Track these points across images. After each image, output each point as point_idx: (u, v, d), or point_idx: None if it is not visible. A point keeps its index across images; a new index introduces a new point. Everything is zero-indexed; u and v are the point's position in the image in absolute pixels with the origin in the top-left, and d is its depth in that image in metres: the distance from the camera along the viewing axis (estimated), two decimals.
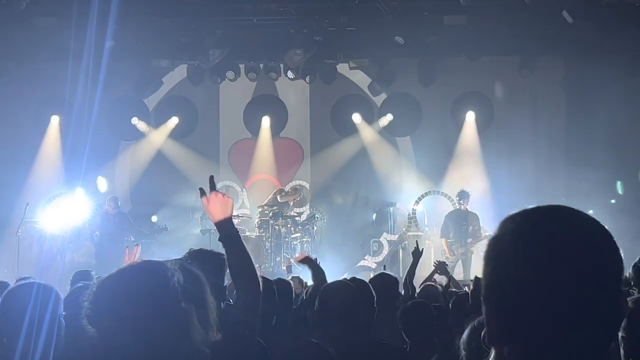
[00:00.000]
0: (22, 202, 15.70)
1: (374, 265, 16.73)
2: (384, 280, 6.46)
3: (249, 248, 3.52)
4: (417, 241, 8.60)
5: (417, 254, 8.15)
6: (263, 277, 5.67)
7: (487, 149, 17.17)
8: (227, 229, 3.52)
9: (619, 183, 16.40)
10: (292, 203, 16.68)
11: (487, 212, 16.13)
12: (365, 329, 4.52)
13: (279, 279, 6.53)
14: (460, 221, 15.51)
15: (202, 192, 3.64)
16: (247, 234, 15.90)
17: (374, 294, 4.95)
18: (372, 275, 9.35)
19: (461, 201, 15.51)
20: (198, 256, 4.32)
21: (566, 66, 16.99)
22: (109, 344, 2.51)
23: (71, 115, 17.01)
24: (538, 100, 17.48)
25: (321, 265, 6.65)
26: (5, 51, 16.06)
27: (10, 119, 17.35)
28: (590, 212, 1.69)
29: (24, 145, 17.29)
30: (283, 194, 16.61)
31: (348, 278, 5.91)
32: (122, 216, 15.94)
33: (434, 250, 15.73)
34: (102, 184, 17.22)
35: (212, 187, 3.66)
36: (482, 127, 17.34)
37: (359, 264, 17.00)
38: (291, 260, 7.84)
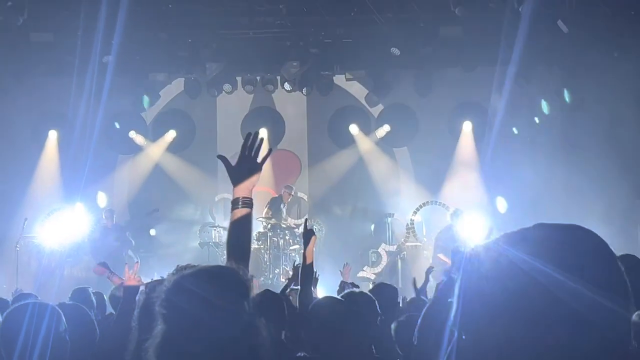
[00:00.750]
0: (20, 216, 15.68)
1: (373, 277, 16.72)
2: (382, 291, 6.45)
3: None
4: (305, 219, 6.57)
5: (307, 235, 6.23)
6: (270, 291, 5.66)
7: (484, 159, 17.19)
8: (241, 196, 3.36)
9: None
10: (285, 204, 16.70)
11: (485, 222, 16.14)
12: (359, 344, 4.50)
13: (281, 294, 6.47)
14: (449, 243, 15.43)
15: (223, 158, 3.45)
16: None
17: (377, 309, 4.93)
18: (371, 286, 9.33)
19: (453, 220, 15.27)
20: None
21: (563, 76, 17.03)
22: (175, 343, 2.48)
23: (69, 129, 17.05)
24: (534, 110, 17.52)
25: (320, 276, 6.62)
26: (2, 67, 16.09)
27: (9, 133, 17.35)
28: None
29: (22, 160, 17.29)
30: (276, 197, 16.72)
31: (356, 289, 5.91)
32: (120, 229, 15.94)
33: (432, 260, 15.72)
34: (101, 198, 17.23)
35: (250, 145, 3.44)
36: (479, 137, 17.37)
37: (358, 275, 16.98)
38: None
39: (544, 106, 16.99)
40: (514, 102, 16.75)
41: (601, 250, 1.64)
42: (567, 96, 16.57)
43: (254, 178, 3.40)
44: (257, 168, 3.42)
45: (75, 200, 16.30)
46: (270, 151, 3.55)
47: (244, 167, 3.41)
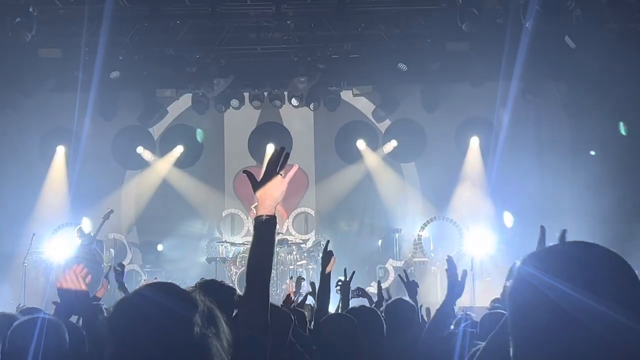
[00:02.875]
0: (28, 232, 15.69)
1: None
2: (399, 306, 6.38)
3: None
4: (327, 242, 6.96)
5: (326, 256, 6.53)
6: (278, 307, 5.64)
7: (491, 174, 17.17)
8: (264, 213, 3.31)
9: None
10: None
11: (492, 237, 16.13)
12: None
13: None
14: None
15: (249, 173, 3.37)
16: None
17: (382, 322, 4.94)
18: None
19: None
20: (207, 287, 4.25)
21: (569, 91, 17.03)
22: None
23: (77, 145, 17.10)
24: (542, 125, 17.52)
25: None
26: (11, 83, 16.16)
27: (17, 149, 17.43)
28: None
29: (30, 175, 17.34)
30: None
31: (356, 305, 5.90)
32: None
33: (440, 276, 15.69)
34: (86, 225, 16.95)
35: (275, 161, 3.36)
36: (487, 152, 17.35)
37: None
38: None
39: (622, 128, 16.76)
40: (520, 117, 16.76)
41: (619, 268, 1.63)
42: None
43: (278, 195, 3.36)
44: (282, 185, 3.36)
45: (83, 216, 16.31)
46: (294, 167, 3.51)
47: (270, 183, 3.37)
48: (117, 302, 2.58)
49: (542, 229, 2.73)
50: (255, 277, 3.29)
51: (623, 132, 16.44)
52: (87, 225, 15.29)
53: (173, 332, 2.42)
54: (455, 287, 4.96)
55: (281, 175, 3.35)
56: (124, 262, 16.51)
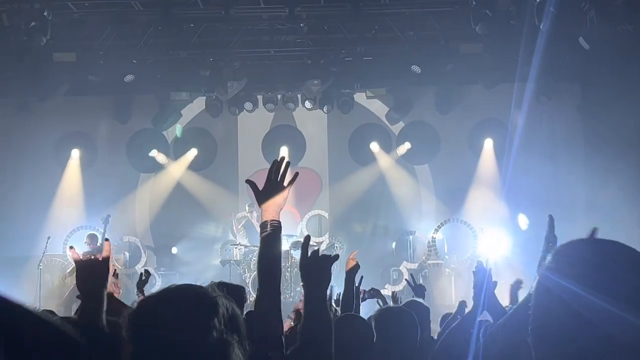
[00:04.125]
0: (43, 235, 15.77)
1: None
2: (414, 308, 6.36)
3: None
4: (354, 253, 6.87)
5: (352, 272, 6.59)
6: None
7: (505, 176, 17.11)
8: (269, 219, 3.44)
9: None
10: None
11: (507, 240, 16.08)
12: None
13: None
14: None
15: (251, 182, 3.55)
16: None
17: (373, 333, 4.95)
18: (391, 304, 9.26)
19: None
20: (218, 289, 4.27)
21: (583, 92, 16.98)
22: None
23: (92, 148, 17.17)
24: (556, 127, 17.46)
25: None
26: (26, 86, 16.25)
27: (32, 152, 17.51)
28: None
29: (45, 178, 17.42)
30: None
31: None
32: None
33: (454, 278, 15.67)
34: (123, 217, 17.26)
35: (276, 169, 3.52)
36: (501, 154, 17.31)
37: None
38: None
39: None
40: (534, 119, 16.70)
41: (634, 267, 1.63)
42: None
43: (280, 202, 3.48)
44: (284, 193, 3.51)
45: (98, 218, 16.38)
46: (296, 175, 3.61)
47: (271, 191, 3.50)
48: (138, 301, 2.61)
49: (551, 218, 2.74)
50: (266, 286, 3.35)
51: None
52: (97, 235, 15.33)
53: (191, 335, 2.43)
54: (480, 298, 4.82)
55: (283, 183, 3.49)
56: (140, 266, 16.69)
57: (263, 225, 3.43)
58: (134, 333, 2.46)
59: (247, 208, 16.94)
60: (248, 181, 3.60)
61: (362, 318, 5.30)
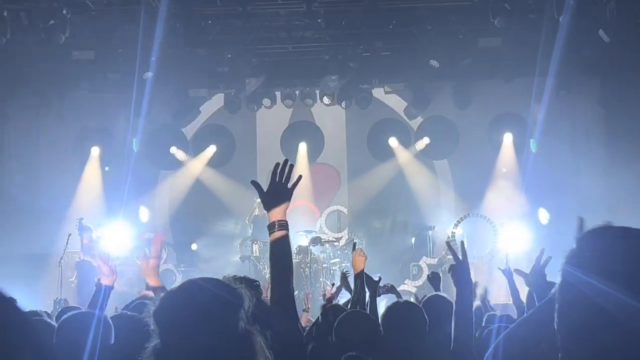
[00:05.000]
0: (63, 232, 15.85)
1: (414, 290, 16.63)
2: (437, 302, 6.32)
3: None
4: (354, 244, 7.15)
5: (372, 285, 6.78)
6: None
7: (525, 170, 17.04)
8: (276, 220, 3.53)
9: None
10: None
11: (528, 234, 16.01)
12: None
13: None
14: None
15: (256, 184, 3.64)
16: None
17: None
18: (412, 299, 9.25)
19: None
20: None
21: (603, 86, 16.86)
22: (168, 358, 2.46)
23: (111, 146, 17.25)
24: (576, 121, 17.36)
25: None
26: (45, 84, 16.35)
27: (52, 150, 17.62)
28: None
29: (65, 176, 17.51)
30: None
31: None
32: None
33: (474, 273, 15.58)
34: (143, 213, 17.38)
35: (280, 172, 3.63)
36: (520, 148, 17.23)
37: (398, 289, 16.86)
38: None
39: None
40: (554, 113, 16.61)
41: None
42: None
43: (284, 203, 3.56)
44: (287, 193, 3.60)
45: (118, 215, 16.46)
46: (300, 177, 3.71)
47: (275, 193, 3.59)
48: (166, 293, 2.65)
49: (580, 220, 2.72)
50: (279, 285, 3.47)
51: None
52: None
53: (219, 323, 2.46)
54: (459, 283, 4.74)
55: (287, 185, 3.58)
56: (160, 263, 16.75)
57: (271, 226, 3.52)
58: (160, 324, 2.47)
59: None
60: (253, 182, 3.68)
61: (366, 314, 5.32)
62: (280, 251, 3.50)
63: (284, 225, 3.52)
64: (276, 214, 3.53)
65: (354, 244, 6.49)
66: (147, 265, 5.17)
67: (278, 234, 3.50)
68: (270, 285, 3.50)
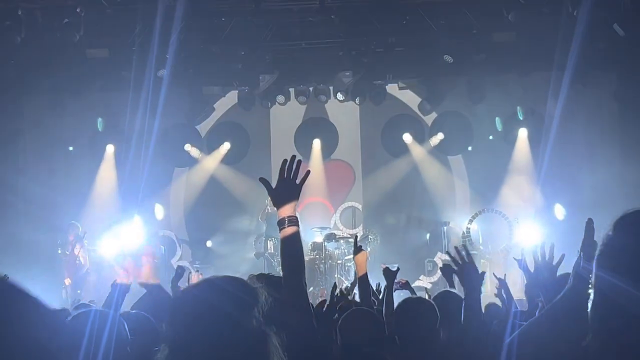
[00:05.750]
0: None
1: (429, 286, 16.59)
2: (448, 299, 6.31)
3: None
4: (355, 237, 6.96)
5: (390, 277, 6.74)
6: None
7: (540, 165, 16.97)
8: (286, 216, 3.55)
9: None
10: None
11: (543, 230, 15.93)
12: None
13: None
14: None
15: (264, 181, 3.67)
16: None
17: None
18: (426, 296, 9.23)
19: None
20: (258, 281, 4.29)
21: (619, 80, 16.76)
22: (183, 355, 2.47)
23: (126, 143, 17.29)
24: (592, 115, 17.26)
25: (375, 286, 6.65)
26: (60, 83, 16.40)
27: (67, 148, 17.68)
28: None
29: (80, 174, 17.58)
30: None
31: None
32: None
33: (489, 269, 15.55)
34: (159, 210, 17.44)
35: (287, 170, 3.63)
36: (535, 143, 17.16)
37: (413, 284, 16.84)
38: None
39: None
40: (570, 107, 16.52)
41: None
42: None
43: (294, 199, 3.57)
44: (296, 189, 3.60)
45: (133, 213, 16.52)
46: (308, 172, 3.73)
47: (284, 189, 3.60)
48: (182, 290, 2.69)
49: (589, 222, 2.69)
50: (291, 282, 3.49)
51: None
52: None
53: (232, 321, 2.46)
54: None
55: (295, 181, 3.58)
56: (175, 259, 16.83)
57: (281, 222, 3.53)
58: (175, 319, 2.48)
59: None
60: (261, 179, 3.72)
61: (370, 311, 5.32)
62: (291, 247, 3.50)
63: (294, 221, 3.53)
64: (286, 210, 3.54)
65: (356, 245, 6.42)
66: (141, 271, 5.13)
67: (289, 230, 3.51)
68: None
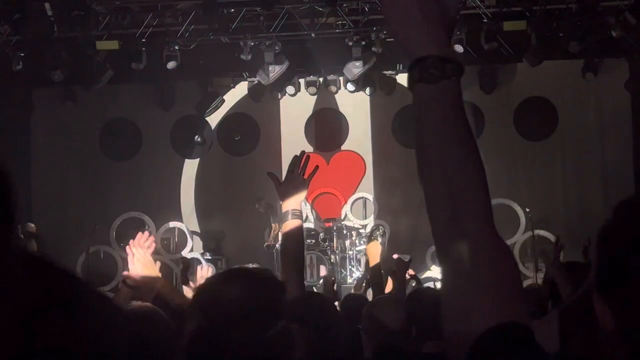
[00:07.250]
0: (89, 222, 15.98)
1: (440, 276, 16.56)
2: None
3: (315, 262, 3.59)
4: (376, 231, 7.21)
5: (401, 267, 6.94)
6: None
7: (552, 155, 16.90)
8: (290, 209, 3.58)
9: None
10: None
11: (556, 220, 15.90)
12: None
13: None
14: None
15: (272, 175, 3.74)
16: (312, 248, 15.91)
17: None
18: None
19: None
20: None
21: (631, 68, 16.65)
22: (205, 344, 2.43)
23: (136, 135, 17.30)
24: (603, 104, 17.16)
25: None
26: (70, 76, 16.40)
27: (77, 141, 17.70)
28: None
29: (91, 167, 17.61)
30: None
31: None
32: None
33: None
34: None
35: (297, 163, 3.68)
36: (547, 133, 17.08)
37: (424, 275, 16.83)
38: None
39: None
40: (581, 96, 16.45)
41: None
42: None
43: (301, 194, 3.63)
44: (304, 184, 3.65)
45: (144, 206, 16.55)
46: (316, 167, 3.77)
47: (292, 184, 3.64)
48: (206, 279, 2.68)
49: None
50: (291, 267, 3.52)
51: None
52: None
53: (255, 314, 2.40)
54: None
55: (303, 176, 3.65)
56: (186, 251, 16.83)
57: (285, 215, 3.59)
58: (199, 311, 2.45)
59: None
60: (269, 174, 3.80)
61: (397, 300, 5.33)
62: (293, 239, 3.55)
63: (297, 214, 3.57)
64: (291, 203, 3.58)
65: (371, 235, 6.52)
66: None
67: (292, 222, 3.54)
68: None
